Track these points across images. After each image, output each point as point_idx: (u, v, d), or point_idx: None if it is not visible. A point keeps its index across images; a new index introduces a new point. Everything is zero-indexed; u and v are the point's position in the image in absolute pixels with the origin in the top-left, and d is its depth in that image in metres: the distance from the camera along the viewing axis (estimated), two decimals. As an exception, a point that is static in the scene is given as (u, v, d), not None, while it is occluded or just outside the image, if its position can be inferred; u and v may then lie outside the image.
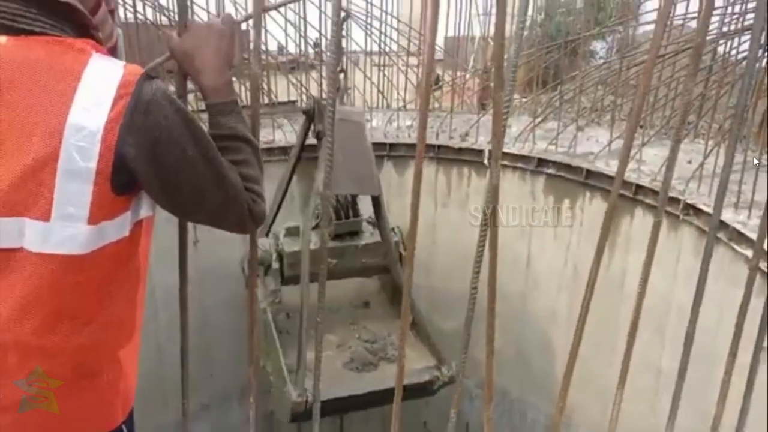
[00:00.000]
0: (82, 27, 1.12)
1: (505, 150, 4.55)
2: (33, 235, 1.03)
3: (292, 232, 3.61)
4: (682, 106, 1.33)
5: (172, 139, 1.09)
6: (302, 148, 3.71)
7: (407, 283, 1.30)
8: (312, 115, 3.38)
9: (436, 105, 6.26)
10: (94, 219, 1.05)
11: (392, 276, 3.78)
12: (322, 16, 5.43)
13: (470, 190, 4.90)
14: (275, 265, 3.48)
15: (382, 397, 3.02)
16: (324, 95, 3.18)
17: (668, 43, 4.67)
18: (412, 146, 4.84)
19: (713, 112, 4.26)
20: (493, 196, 1.30)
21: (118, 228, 1.12)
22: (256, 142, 1.33)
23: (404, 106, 5.86)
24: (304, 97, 5.65)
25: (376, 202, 3.53)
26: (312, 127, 3.46)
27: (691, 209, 3.54)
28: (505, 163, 4.61)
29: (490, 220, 1.36)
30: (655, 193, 3.87)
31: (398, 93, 6.16)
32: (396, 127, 5.38)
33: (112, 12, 1.23)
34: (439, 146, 4.90)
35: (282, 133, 4.80)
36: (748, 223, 3.20)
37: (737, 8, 4.20)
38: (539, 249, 4.71)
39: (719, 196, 1.40)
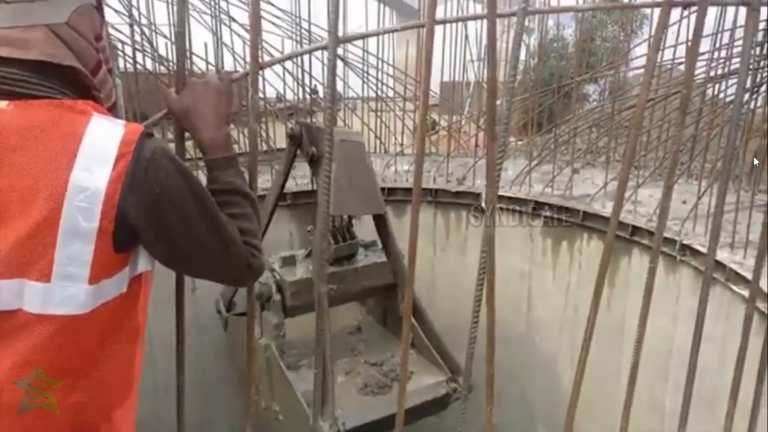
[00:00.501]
0: (83, 88, 1.15)
1: (502, 193, 4.60)
2: (32, 297, 1.03)
3: (288, 262, 3.46)
4: (672, 154, 1.36)
5: (173, 196, 1.11)
6: (287, 175, 3.56)
7: (408, 303, 1.31)
8: (299, 138, 3.22)
9: (433, 149, 6.34)
10: (94, 278, 1.06)
11: (396, 294, 3.67)
12: (319, 63, 5.56)
13: (468, 233, 4.93)
14: (276, 297, 3.30)
15: (405, 417, 2.95)
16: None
17: (658, 87, 4.78)
18: (410, 191, 4.88)
19: (705, 153, 4.32)
20: (488, 244, 1.32)
21: (116, 285, 1.12)
22: (254, 195, 1.35)
23: (402, 151, 5.94)
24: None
25: (382, 221, 3.43)
26: (298, 152, 3.32)
27: (688, 250, 3.56)
28: (503, 206, 4.65)
29: (488, 268, 1.37)
30: (651, 234, 3.89)
31: (395, 138, 6.24)
32: (394, 172, 5.44)
33: (111, 71, 1.26)
34: (437, 190, 4.95)
35: (293, 178, 4.84)
36: (744, 263, 3.22)
37: (723, 53, 4.31)
38: (539, 291, 4.70)
39: (713, 238, 1.42)
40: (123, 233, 1.08)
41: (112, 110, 1.24)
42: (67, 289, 1.05)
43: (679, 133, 1.40)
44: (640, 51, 6.39)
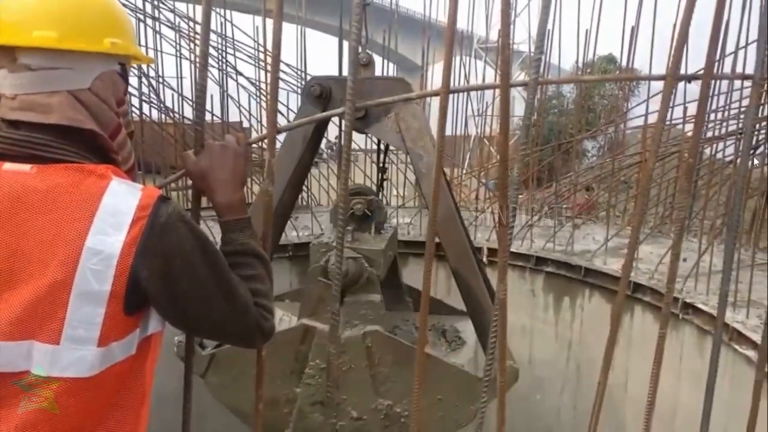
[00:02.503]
0: (103, 151, 1.17)
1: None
2: (41, 358, 1.03)
3: (357, 237, 2.94)
4: (679, 221, 1.38)
5: (186, 260, 1.11)
6: (315, 149, 2.76)
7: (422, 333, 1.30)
8: (327, 97, 2.53)
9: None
10: (104, 341, 1.06)
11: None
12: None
13: (469, 286, 4.91)
14: (367, 272, 2.76)
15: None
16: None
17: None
18: (411, 243, 4.89)
19: (704, 211, 4.36)
20: (501, 309, 1.32)
21: (125, 347, 1.12)
22: (267, 257, 1.36)
23: (403, 204, 5.98)
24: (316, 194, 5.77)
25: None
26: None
27: (690, 308, 3.55)
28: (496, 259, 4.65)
29: (499, 334, 1.37)
30: (653, 291, 3.89)
31: (397, 191, 6.30)
32: (396, 224, 5.47)
33: (131, 134, 1.29)
34: (438, 243, 4.95)
35: (294, 229, 4.87)
36: (747, 322, 3.21)
37: (719, 115, 4.41)
38: (541, 348, 4.66)
39: (721, 308, 1.43)
40: (134, 296, 1.08)
41: (131, 173, 1.26)
42: (75, 352, 1.04)
43: (686, 201, 1.42)
44: (637, 109, 6.53)
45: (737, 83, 4.41)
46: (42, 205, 1.04)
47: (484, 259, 4.80)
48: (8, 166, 1.07)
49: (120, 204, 1.07)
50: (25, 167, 1.06)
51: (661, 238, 5.09)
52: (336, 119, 2.97)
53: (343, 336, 2.64)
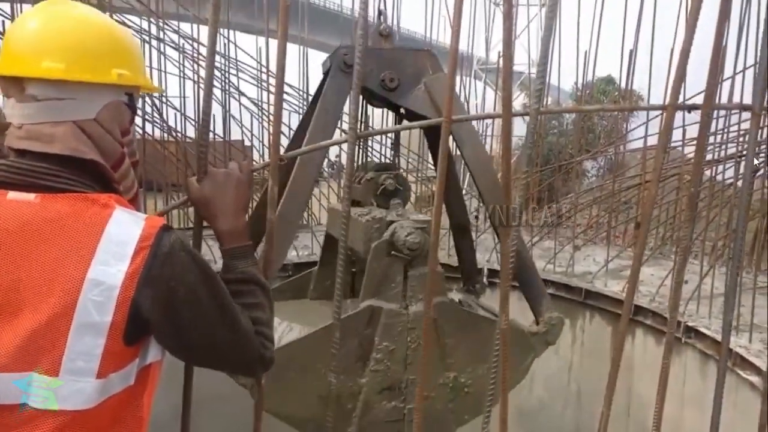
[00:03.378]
0: (105, 181, 1.17)
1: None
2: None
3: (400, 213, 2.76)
4: (682, 251, 1.38)
5: (188, 289, 1.11)
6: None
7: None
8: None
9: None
10: (103, 372, 1.05)
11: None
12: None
13: (470, 307, 4.89)
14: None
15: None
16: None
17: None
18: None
19: (705, 233, 4.37)
20: (502, 339, 1.32)
21: (124, 377, 1.11)
22: (268, 285, 1.36)
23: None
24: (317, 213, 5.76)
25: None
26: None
27: (693, 332, 3.54)
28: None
29: (500, 362, 1.37)
30: (654, 314, 3.88)
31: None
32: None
33: (135, 164, 1.29)
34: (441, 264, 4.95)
35: (294, 249, 4.86)
36: (750, 347, 3.19)
37: (717, 138, 4.43)
38: (542, 369, 4.62)
39: (725, 337, 1.42)
40: (135, 327, 1.07)
41: (134, 201, 1.26)
42: (74, 384, 1.03)
43: (688, 229, 1.43)
44: (639, 133, 6.57)
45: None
46: (45, 235, 1.04)
47: (485, 280, 4.79)
48: (12, 195, 1.07)
49: (123, 234, 1.07)
50: (30, 196, 1.06)
51: (662, 259, 5.09)
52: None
53: (411, 312, 2.50)
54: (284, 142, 5.56)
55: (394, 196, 2.79)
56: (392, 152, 3.32)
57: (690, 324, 3.55)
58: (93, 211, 1.08)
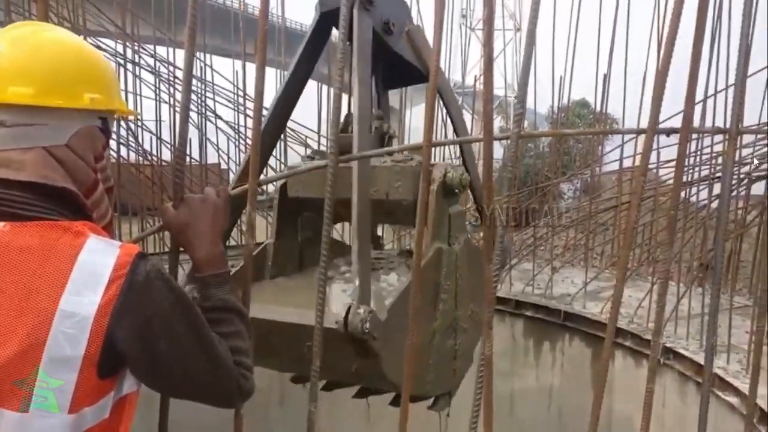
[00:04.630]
0: (78, 208, 1.13)
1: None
2: (8, 428, 0.97)
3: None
4: (662, 274, 1.37)
5: (165, 319, 1.07)
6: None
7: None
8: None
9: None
10: (75, 407, 1.00)
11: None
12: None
13: (450, 331, 4.87)
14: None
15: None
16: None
17: (630, 192, 4.93)
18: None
19: (680, 255, 4.42)
20: (487, 367, 1.30)
21: (98, 411, 1.06)
22: (246, 312, 1.32)
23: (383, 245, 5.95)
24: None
25: None
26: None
27: (671, 353, 3.55)
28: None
29: (484, 391, 1.34)
30: (633, 335, 3.90)
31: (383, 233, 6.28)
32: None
33: (110, 190, 1.24)
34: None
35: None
36: (728, 368, 3.21)
37: (691, 160, 4.51)
38: (522, 392, 4.60)
39: (707, 365, 1.41)
40: (109, 359, 1.03)
41: (108, 228, 1.22)
42: (45, 420, 0.98)
43: (668, 253, 1.43)
44: (613, 155, 6.69)
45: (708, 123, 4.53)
46: (14, 266, 0.99)
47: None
48: None
49: (96, 263, 1.03)
50: None
51: (639, 280, 5.13)
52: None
53: (456, 249, 2.43)
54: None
55: (389, 142, 2.69)
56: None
57: (668, 345, 3.57)
58: (65, 240, 1.04)
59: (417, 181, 2.28)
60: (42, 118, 1.06)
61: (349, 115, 2.49)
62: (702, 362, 3.24)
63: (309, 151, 2.61)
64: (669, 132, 1.48)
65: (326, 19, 2.24)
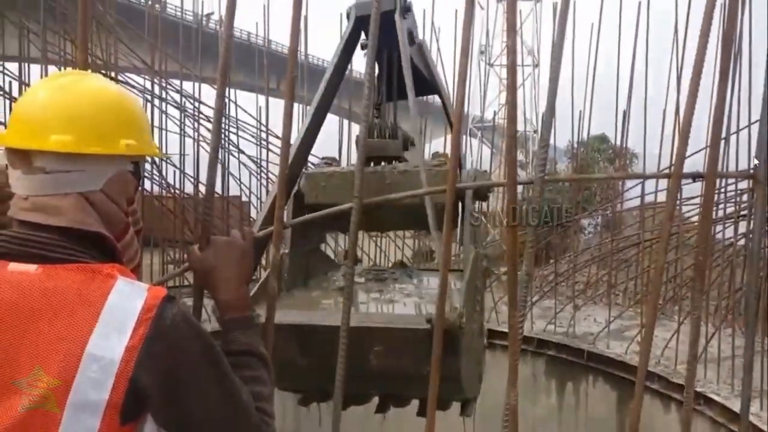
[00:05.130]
0: (108, 251, 1.15)
1: (503, 329, 4.52)
2: None
3: None
4: (693, 321, 1.34)
5: (190, 363, 1.07)
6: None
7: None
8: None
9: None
10: None
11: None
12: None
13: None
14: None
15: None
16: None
17: (653, 228, 4.88)
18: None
19: (708, 293, 4.32)
20: (512, 418, 1.27)
21: None
22: (268, 356, 1.31)
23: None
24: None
25: None
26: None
27: (702, 398, 3.44)
28: (504, 343, 4.56)
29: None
30: (660, 377, 3.80)
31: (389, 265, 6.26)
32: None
33: (139, 232, 1.26)
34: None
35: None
36: (762, 415, 3.10)
37: (715, 197, 4.45)
38: (544, 435, 4.49)
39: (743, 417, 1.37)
40: (133, 404, 1.03)
41: (136, 271, 1.23)
42: None
43: (699, 299, 1.40)
44: (634, 192, 6.63)
45: (731, 165, 4.48)
46: (44, 309, 1.00)
47: (484, 341, 4.69)
48: (13, 266, 1.04)
49: (125, 306, 1.04)
50: (31, 267, 1.04)
51: (664, 319, 5.02)
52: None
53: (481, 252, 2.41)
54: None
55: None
56: None
57: (699, 389, 3.46)
58: (95, 283, 1.05)
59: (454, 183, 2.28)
60: (80, 164, 1.09)
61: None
62: (735, 409, 3.14)
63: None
64: (694, 176, 1.47)
65: (360, 24, 2.24)
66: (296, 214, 2.38)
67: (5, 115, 4.67)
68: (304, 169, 2.39)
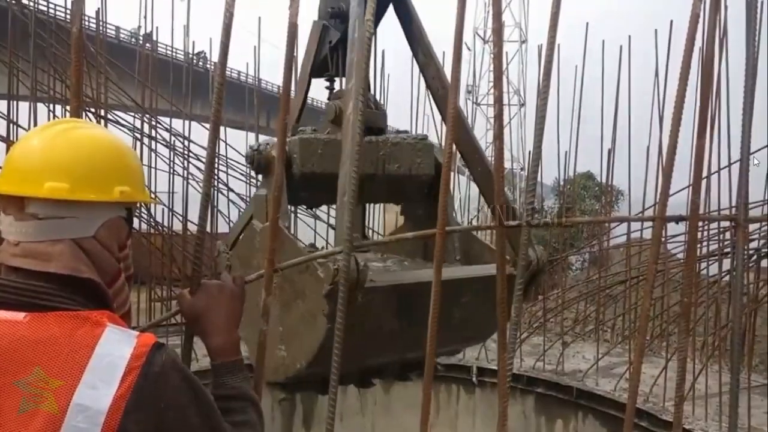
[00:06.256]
0: (99, 298, 1.14)
1: (492, 366, 4.51)
2: None
3: None
4: (680, 362, 1.36)
5: (179, 411, 1.06)
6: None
7: None
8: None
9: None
10: None
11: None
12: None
13: (459, 408, 4.75)
14: None
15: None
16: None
17: (639, 265, 4.93)
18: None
19: (694, 331, 4.35)
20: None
21: None
22: (258, 400, 1.31)
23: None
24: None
25: None
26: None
27: (690, 436, 3.45)
28: (493, 380, 4.54)
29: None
30: (648, 414, 3.79)
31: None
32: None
33: (130, 278, 1.26)
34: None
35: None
36: (750, 453, 3.10)
37: (699, 234, 4.52)
38: (535, 475, 4.44)
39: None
40: None
41: (126, 317, 1.23)
42: None
43: (685, 341, 1.42)
44: (618, 225, 6.72)
45: (713, 202, 4.56)
46: (30, 358, 1.00)
47: (474, 379, 4.68)
48: (1, 314, 1.04)
49: (113, 354, 1.03)
50: (19, 316, 1.03)
51: (652, 356, 5.03)
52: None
53: None
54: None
55: None
56: None
57: (687, 427, 3.46)
58: (84, 330, 1.05)
59: (434, 157, 2.33)
60: (73, 211, 1.09)
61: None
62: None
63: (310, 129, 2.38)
64: (678, 219, 1.50)
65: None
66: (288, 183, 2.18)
67: (-6, 153, 4.66)
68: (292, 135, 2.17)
